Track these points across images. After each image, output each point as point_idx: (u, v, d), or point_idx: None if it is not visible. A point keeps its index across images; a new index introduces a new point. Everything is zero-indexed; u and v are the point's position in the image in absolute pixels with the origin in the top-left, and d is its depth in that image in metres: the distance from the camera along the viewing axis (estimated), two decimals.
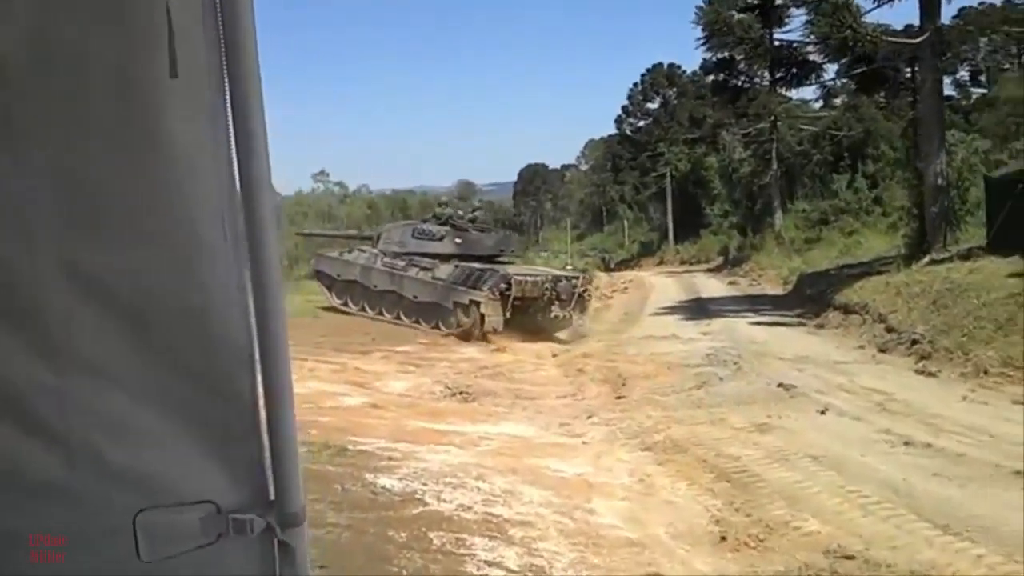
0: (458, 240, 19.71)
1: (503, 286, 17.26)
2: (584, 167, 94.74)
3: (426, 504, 5.87)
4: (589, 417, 9.96)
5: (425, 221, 21.29)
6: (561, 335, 18.13)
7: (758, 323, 18.01)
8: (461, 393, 11.40)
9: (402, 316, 18.99)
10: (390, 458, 7.19)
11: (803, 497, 6.83)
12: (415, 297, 18.80)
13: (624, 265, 55.24)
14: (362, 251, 21.20)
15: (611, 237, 71.70)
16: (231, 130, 1.05)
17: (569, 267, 33.83)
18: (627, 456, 8.16)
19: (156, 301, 1.05)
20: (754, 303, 22.55)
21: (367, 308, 19.92)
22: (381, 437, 8.21)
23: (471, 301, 17.43)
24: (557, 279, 18.52)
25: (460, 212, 21.94)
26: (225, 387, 1.10)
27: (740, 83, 36.62)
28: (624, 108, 61.00)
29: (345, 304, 20.61)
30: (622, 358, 14.23)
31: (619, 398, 11.13)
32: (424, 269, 18.92)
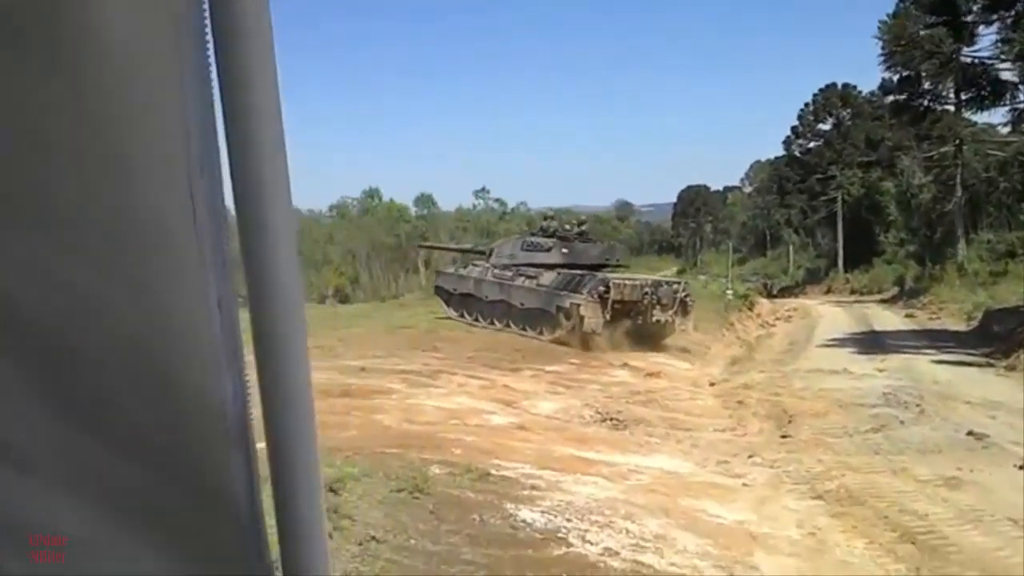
0: (564, 250, 20.36)
1: (602, 288, 17.74)
2: (748, 189, 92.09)
3: (569, 545, 5.35)
4: (751, 456, 9.16)
5: (533, 235, 21.99)
6: (669, 342, 18.73)
7: (940, 361, 16.52)
8: (611, 419, 10.82)
9: (511, 324, 19.69)
10: (533, 487, 6.71)
11: (1003, 568, 5.89)
12: (522, 304, 19.48)
13: (788, 292, 53.02)
14: (476, 265, 22.16)
15: (774, 262, 69.03)
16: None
17: (730, 292, 32.66)
18: (795, 504, 7.35)
19: (96, 343, 0.60)
20: (935, 339, 20.83)
21: (480, 319, 20.69)
22: (526, 462, 7.76)
23: (572, 304, 17.93)
24: (658, 284, 19.13)
25: (567, 226, 22.52)
26: (210, 477, 0.64)
27: (923, 104, 34.21)
28: (794, 129, 58.55)
29: (461, 315, 21.47)
30: (787, 392, 13.23)
31: (784, 437, 10.23)
32: (529, 277, 19.67)
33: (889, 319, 28.25)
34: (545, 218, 23.99)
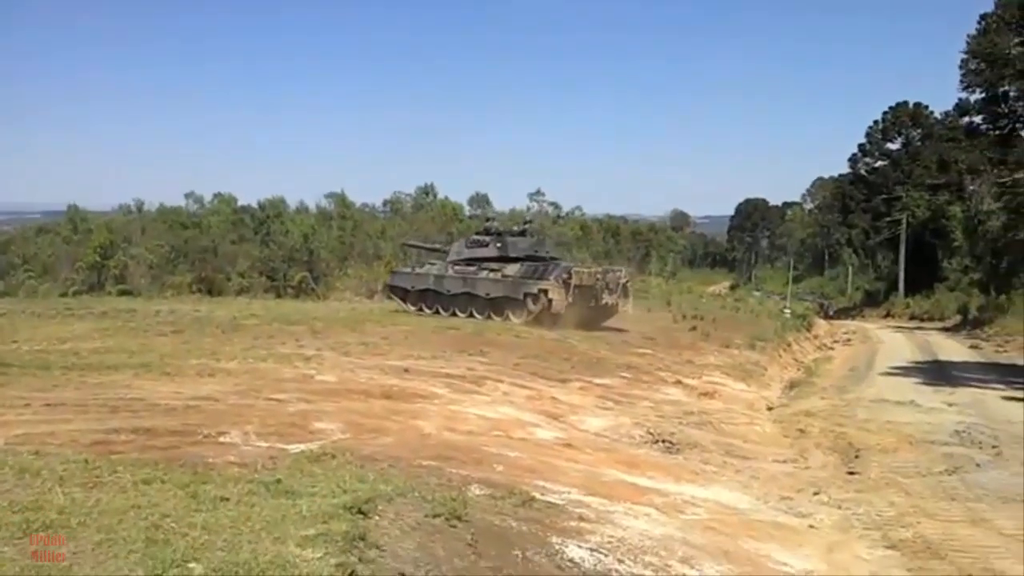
0: (499, 245, 22.69)
1: (565, 275, 20.62)
2: (809, 206, 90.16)
3: None
4: (816, 493, 8.45)
5: (477, 234, 24.42)
6: (611, 323, 21.64)
7: (1012, 398, 15.57)
8: (664, 441, 10.18)
9: (475, 313, 21.95)
10: (581, 517, 6.13)
11: None
12: (487, 295, 21.94)
13: (845, 313, 51.62)
14: (432, 263, 24.93)
15: (832, 282, 67.44)
16: None
17: (787, 310, 31.72)
18: (867, 553, 6.68)
19: None
20: (1004, 373, 19.78)
21: (441, 311, 22.88)
22: (573, 486, 7.18)
23: (539, 290, 20.72)
24: (606, 271, 22.07)
25: (516, 226, 25.62)
26: None
27: (1006, 126, 32.74)
28: (861, 147, 56.86)
29: (420, 310, 23.58)
30: (852, 423, 12.46)
31: (851, 473, 9.50)
32: (494, 271, 22.18)
33: (954, 349, 27.06)
34: (487, 219, 26.91)
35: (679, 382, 15.02)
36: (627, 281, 22.06)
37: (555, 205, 72.68)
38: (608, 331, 20.74)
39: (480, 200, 68.33)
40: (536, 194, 71.81)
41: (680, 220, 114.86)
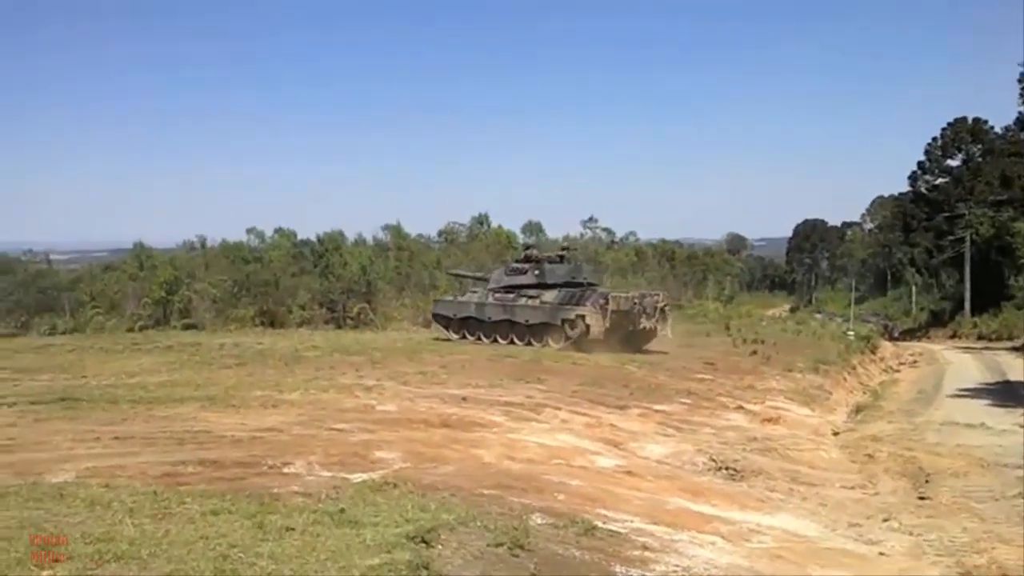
0: (536, 272, 23.06)
1: (602, 301, 21.05)
2: (869, 225, 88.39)
3: None
4: (886, 520, 8.21)
5: (517, 261, 24.93)
6: (656, 346, 22.03)
7: None
8: (727, 468, 10.01)
9: (515, 340, 22.39)
10: (645, 547, 6.04)
11: None
12: (527, 321, 22.41)
13: (910, 335, 50.33)
14: (474, 291, 25.20)
15: (895, 303, 65.79)
16: None
17: (851, 332, 31.00)
18: None
19: None
20: None
21: (483, 337, 23.28)
22: (635, 514, 7.09)
23: (577, 316, 21.27)
24: (643, 295, 22.24)
25: (549, 253, 25.53)
26: None
27: None
28: (920, 164, 55.61)
29: (463, 337, 23.97)
30: (921, 447, 12.11)
31: (922, 499, 9.22)
32: (532, 297, 22.60)
33: None
34: (525, 247, 27.35)
35: (741, 408, 14.77)
36: (665, 305, 22.43)
37: (608, 231, 72.48)
38: (666, 356, 20.56)
39: (533, 228, 68.42)
40: (589, 221, 71.70)
41: (737, 243, 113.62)
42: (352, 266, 46.89)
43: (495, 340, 22.93)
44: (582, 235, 69.68)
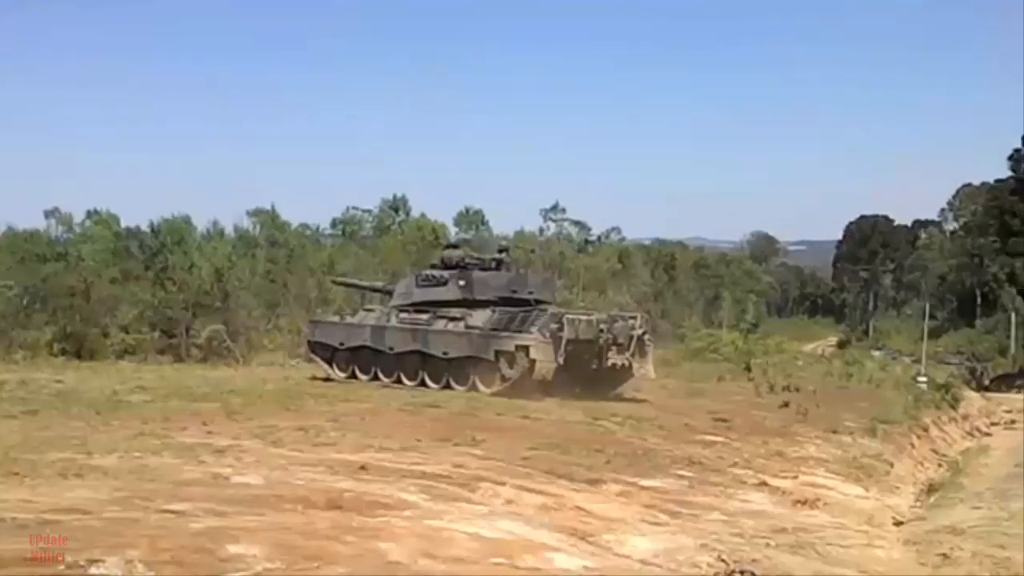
0: (461, 282, 23.43)
1: (554, 325, 21.15)
2: (952, 226, 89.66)
3: None
4: None
5: (432, 266, 25.51)
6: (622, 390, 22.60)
7: None
8: (744, 572, 10.11)
9: (428, 380, 22.77)
10: None
11: None
12: (445, 354, 22.62)
13: (1007, 382, 51.27)
14: (369, 310, 25.91)
15: (987, 337, 66.83)
16: None
17: (922, 379, 31.58)
18: None
19: None
20: None
21: (381, 376, 23.96)
22: None
23: (518, 347, 21.32)
24: (613, 318, 22.70)
25: (479, 256, 26.31)
26: None
27: None
28: None
29: (352, 376, 24.65)
30: (1020, 546, 12.37)
31: None
32: (454, 319, 22.80)
33: None
34: (446, 246, 27.88)
35: (764, 484, 14.97)
36: (644, 332, 22.72)
37: (581, 226, 72.99)
38: (658, 407, 20.76)
39: (471, 218, 68.72)
40: (553, 210, 71.96)
41: (764, 247, 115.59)
42: (202, 269, 46.52)
43: (398, 380, 23.22)
44: (542, 231, 70.23)
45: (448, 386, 21.97)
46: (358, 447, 14.29)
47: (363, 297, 32.61)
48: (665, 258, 75.63)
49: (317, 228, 66.04)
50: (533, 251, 64.54)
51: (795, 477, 15.83)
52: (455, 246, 28.26)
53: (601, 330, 21.46)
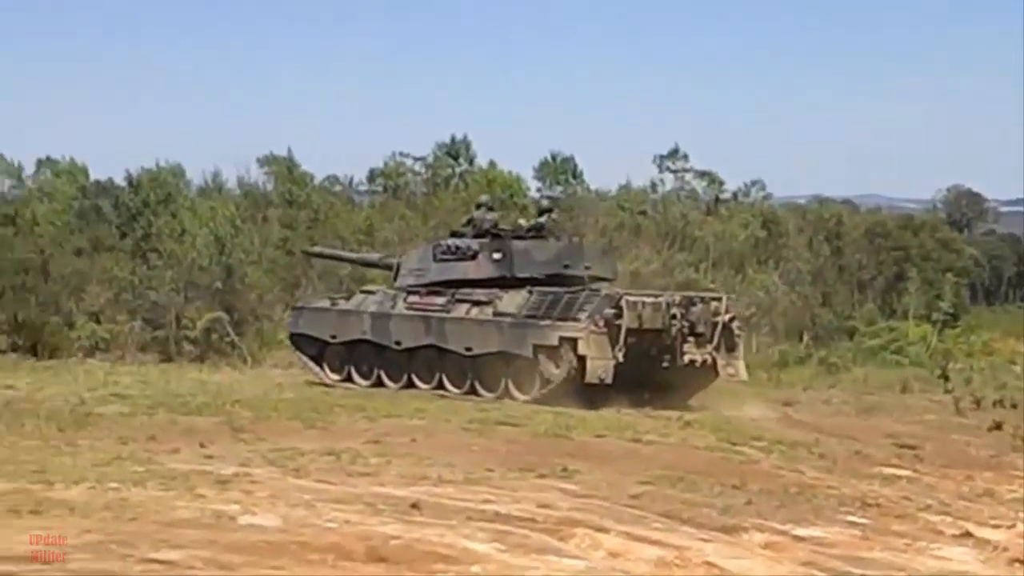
0: (497, 255, 24.02)
1: (610, 312, 21.54)
2: None
3: None
4: None
5: (453, 234, 26.15)
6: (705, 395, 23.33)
7: None
8: None
9: (447, 382, 23.47)
10: None
11: None
12: (468, 350, 23.10)
13: None
14: (370, 293, 26.59)
15: None
16: None
17: None
18: None
19: None
20: None
21: (386, 378, 24.58)
22: None
23: (562, 340, 21.73)
24: (690, 301, 23.11)
25: (520, 222, 27.33)
26: None
27: None
28: None
29: (347, 378, 25.34)
30: None
31: None
32: (478, 304, 23.38)
33: None
34: (477, 205, 27.78)
35: (968, 535, 14.83)
36: (732, 318, 23.30)
37: (711, 179, 72.33)
38: (821, 432, 20.62)
39: (559, 168, 68.30)
40: (672, 157, 71.22)
41: (967, 207, 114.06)
42: (197, 237, 46.75)
43: (409, 383, 23.83)
44: (655, 184, 69.70)
45: (473, 391, 22.50)
46: (408, 478, 14.38)
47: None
48: (828, 223, 74.42)
49: (350, 182, 66.15)
50: (644, 212, 63.98)
51: (1011, 527, 15.66)
52: (490, 207, 27.89)
53: (674, 316, 21.81)
